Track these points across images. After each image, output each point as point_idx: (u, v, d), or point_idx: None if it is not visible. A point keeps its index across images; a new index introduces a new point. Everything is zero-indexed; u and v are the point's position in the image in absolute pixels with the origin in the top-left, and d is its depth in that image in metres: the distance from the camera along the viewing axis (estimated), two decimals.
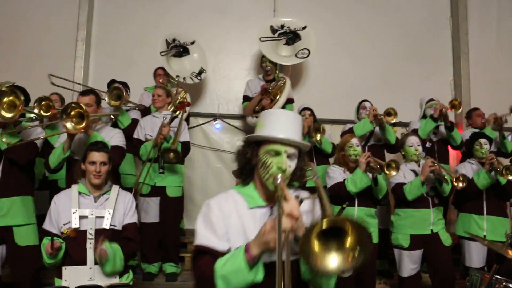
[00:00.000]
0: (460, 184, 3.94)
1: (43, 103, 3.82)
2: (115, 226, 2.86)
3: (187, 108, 4.95)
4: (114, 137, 3.71)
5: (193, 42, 5.77)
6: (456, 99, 4.93)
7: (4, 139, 3.21)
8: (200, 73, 5.71)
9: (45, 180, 4.53)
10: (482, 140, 4.29)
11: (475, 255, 4.06)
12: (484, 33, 6.88)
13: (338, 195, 3.84)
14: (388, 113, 4.74)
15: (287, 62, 5.65)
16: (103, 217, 2.82)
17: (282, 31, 5.70)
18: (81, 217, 2.77)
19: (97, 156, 2.87)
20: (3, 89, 3.12)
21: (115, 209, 2.88)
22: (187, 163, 5.47)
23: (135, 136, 4.40)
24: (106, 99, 4.36)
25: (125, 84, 4.84)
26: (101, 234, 2.75)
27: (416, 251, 3.90)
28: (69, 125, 3.30)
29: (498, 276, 2.87)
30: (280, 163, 1.64)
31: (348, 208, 3.86)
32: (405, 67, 6.60)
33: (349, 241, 1.37)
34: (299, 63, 5.77)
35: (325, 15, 6.52)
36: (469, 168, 4.29)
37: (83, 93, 3.78)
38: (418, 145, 4.02)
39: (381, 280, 4.51)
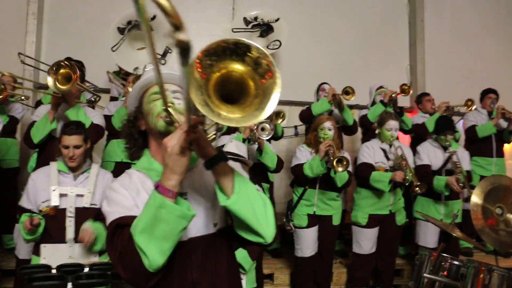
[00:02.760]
0: (340, 169, 3.69)
1: None
2: (96, 204, 2.81)
3: None
4: (95, 116, 3.65)
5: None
6: (405, 84, 5.03)
7: None
8: (164, 54, 5.26)
9: None
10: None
11: (430, 236, 4.18)
12: (439, 20, 7.10)
13: (297, 177, 3.92)
14: (346, 91, 4.75)
15: None
16: (83, 195, 2.78)
17: (255, 22, 5.61)
18: (61, 195, 2.72)
19: (70, 140, 2.77)
20: None
21: (96, 188, 2.84)
22: None
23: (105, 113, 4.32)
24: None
25: (80, 63, 4.65)
26: (81, 212, 2.73)
27: (372, 229, 4.03)
28: (50, 80, 3.17)
29: (444, 254, 3.03)
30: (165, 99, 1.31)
31: (309, 190, 3.96)
32: (364, 53, 6.71)
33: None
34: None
35: (285, 1, 6.49)
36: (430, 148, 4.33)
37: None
38: (396, 130, 4.06)
39: (337, 260, 4.67)
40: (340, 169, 3.66)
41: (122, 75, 5.03)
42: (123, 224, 1.29)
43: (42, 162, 3.35)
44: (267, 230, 1.34)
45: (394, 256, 4.24)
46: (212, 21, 6.10)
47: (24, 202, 2.77)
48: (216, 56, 1.10)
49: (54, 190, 2.72)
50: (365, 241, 4.04)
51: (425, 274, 2.98)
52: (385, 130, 4.05)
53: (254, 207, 1.31)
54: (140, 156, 1.51)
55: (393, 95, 4.84)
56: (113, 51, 5.03)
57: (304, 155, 3.98)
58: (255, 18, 5.64)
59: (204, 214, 1.42)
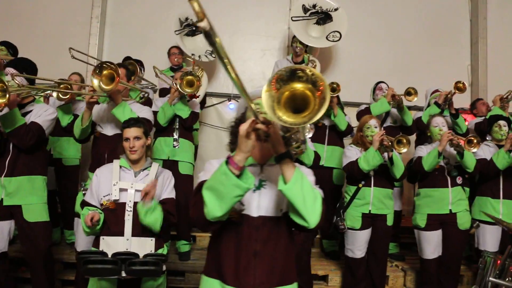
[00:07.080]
0: (473, 149, 3.84)
1: (61, 86, 3.79)
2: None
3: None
4: (143, 111, 3.63)
5: None
6: (460, 81, 4.84)
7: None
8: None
9: (50, 157, 4.42)
10: (501, 122, 4.22)
11: (490, 239, 3.97)
12: (502, 18, 6.75)
13: (352, 173, 3.83)
14: (408, 92, 4.75)
15: (318, 44, 5.51)
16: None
17: (313, 10, 5.58)
18: (121, 190, 2.80)
19: (130, 132, 2.88)
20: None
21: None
22: (200, 143, 5.48)
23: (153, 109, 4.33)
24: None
25: (139, 62, 4.80)
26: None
27: (433, 232, 3.88)
28: (96, 82, 3.25)
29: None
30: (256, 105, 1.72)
31: (364, 188, 3.87)
32: (422, 51, 6.52)
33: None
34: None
35: None
36: (486, 150, 4.17)
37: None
38: (443, 126, 4.01)
39: (392, 263, 4.54)
40: (403, 149, 3.79)
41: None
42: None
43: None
44: (312, 217, 1.65)
45: (458, 264, 4.01)
46: (268, 21, 6.17)
47: (88, 197, 2.86)
48: (282, 81, 1.44)
49: (115, 184, 2.80)
50: (426, 245, 3.89)
51: (491, 278, 2.83)
52: (433, 128, 4.07)
53: (304, 196, 1.62)
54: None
55: (448, 95, 4.72)
56: (176, 34, 5.40)
57: (354, 153, 3.93)
58: (314, 6, 5.58)
59: (274, 200, 1.78)
